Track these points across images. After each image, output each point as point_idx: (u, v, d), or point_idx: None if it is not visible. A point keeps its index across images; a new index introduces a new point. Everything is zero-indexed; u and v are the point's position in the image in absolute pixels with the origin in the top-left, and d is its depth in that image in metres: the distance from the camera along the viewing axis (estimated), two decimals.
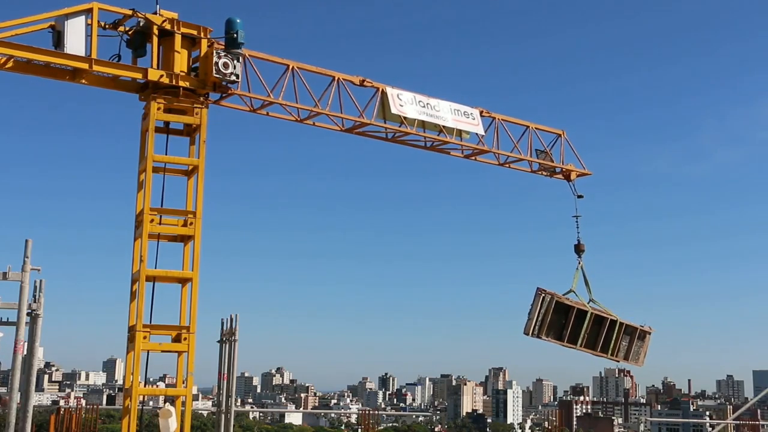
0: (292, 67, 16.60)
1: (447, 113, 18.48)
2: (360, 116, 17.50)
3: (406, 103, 17.86)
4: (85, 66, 14.25)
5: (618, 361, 20.79)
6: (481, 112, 19.24)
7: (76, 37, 14.13)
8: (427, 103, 18.19)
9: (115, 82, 15.02)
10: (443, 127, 18.65)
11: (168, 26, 15.00)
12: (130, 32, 14.88)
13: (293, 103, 16.81)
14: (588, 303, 20.05)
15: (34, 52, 13.84)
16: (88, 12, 14.28)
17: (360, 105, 17.36)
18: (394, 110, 17.67)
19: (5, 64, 13.76)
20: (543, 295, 18.01)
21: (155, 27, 14.87)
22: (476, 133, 19.17)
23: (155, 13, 14.92)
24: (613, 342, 20.05)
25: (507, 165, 20.11)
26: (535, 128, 20.41)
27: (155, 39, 14.98)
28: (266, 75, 16.03)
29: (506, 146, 19.72)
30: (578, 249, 20.13)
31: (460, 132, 18.83)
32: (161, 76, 14.86)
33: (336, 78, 17.09)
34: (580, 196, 20.53)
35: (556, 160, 20.76)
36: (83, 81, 14.44)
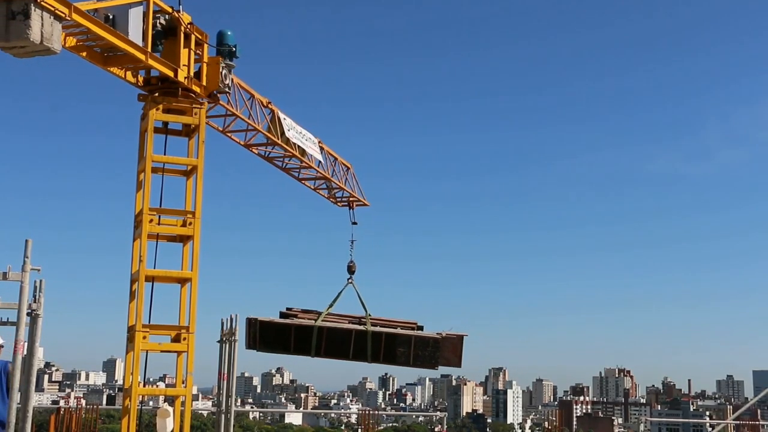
0: (235, 83, 16.68)
1: (304, 138, 19.57)
2: (274, 136, 18.13)
3: (290, 127, 18.83)
4: (142, 57, 13.86)
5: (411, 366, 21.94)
6: (318, 142, 20.39)
7: (136, 27, 13.77)
8: (299, 130, 19.29)
9: (132, 75, 14.92)
10: (308, 154, 19.57)
11: (188, 28, 14.99)
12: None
13: (254, 121, 17.12)
14: (366, 317, 21.15)
15: (112, 35, 13.07)
16: (145, 3, 14.10)
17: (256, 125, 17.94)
18: (287, 133, 18.53)
19: (69, 40, 12.84)
20: (249, 320, 19.64)
21: (182, 27, 14.81)
22: (319, 160, 20.35)
23: (178, 12, 14.88)
24: (384, 351, 20.67)
25: (316, 189, 21.63)
26: (343, 163, 21.92)
27: (182, 38, 14.90)
28: None
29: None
30: (350, 269, 21.85)
31: (303, 154, 19.91)
32: (185, 77, 14.85)
33: (253, 96, 17.46)
34: (354, 223, 22.75)
35: (359, 192, 22.55)
36: (111, 69, 14.29)
